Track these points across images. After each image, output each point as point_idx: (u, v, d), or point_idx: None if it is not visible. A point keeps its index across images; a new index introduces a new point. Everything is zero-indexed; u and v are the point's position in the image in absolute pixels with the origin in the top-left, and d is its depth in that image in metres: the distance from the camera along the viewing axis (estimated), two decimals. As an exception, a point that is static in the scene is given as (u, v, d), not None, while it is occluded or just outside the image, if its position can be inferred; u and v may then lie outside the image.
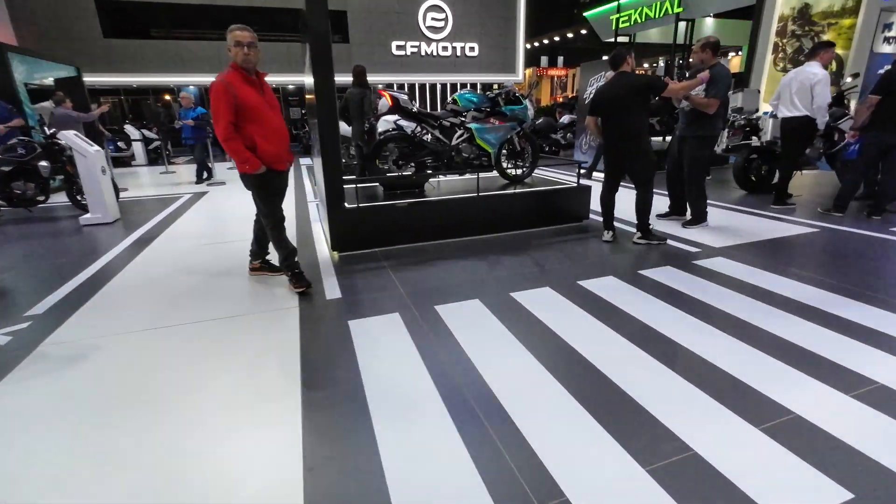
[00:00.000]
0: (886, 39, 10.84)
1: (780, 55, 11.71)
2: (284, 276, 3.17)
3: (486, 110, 4.51)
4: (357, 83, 5.18)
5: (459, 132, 4.46)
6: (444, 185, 4.93)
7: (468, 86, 16.02)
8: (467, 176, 5.01)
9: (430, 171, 4.54)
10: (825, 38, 11.59)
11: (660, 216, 4.74)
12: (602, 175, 4.16)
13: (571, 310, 2.67)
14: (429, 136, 4.41)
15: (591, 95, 8.57)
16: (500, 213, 4.32)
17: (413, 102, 4.46)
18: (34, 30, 12.23)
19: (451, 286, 3.07)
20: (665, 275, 3.19)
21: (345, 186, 3.87)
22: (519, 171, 4.93)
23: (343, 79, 4.83)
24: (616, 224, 4.20)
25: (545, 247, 3.90)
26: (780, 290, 2.87)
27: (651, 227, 3.93)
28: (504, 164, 4.87)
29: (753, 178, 5.99)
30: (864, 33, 10.73)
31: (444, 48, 15.81)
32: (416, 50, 15.65)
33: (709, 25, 19.93)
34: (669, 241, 3.94)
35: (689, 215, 4.50)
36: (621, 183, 4.00)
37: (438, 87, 16.25)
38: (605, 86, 3.74)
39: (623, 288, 2.98)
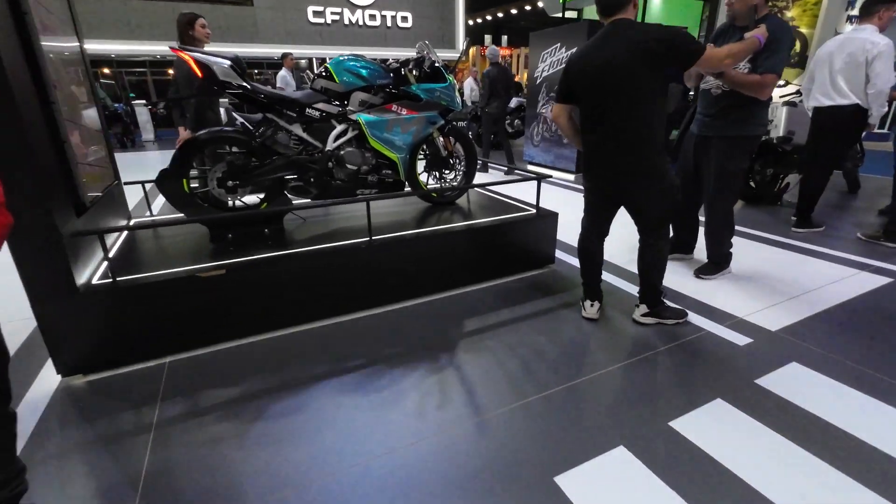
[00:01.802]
0: (849, 18, 10.04)
1: (742, 33, 10.57)
2: None
3: (385, 91, 2.67)
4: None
5: (340, 128, 2.60)
6: (319, 222, 3.05)
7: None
8: (356, 204, 3.11)
9: (291, 190, 2.66)
10: (789, 14, 10.66)
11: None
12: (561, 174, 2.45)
13: None
14: (283, 136, 2.53)
15: (546, 74, 6.91)
16: (411, 269, 2.54)
17: (295, 81, 2.51)
18: None
19: (262, 517, 1.28)
20: (724, 430, 1.57)
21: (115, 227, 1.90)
22: (447, 189, 3.18)
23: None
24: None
25: (486, 340, 2.18)
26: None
27: (664, 293, 2.32)
28: (423, 179, 3.09)
29: (753, 185, 4.61)
30: (830, 11, 9.86)
31: (372, 17, 13.57)
32: (337, 17, 13.29)
33: (656, 3, 18.98)
34: (690, 314, 2.37)
35: (692, 254, 2.96)
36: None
37: (367, 62, 14.00)
38: (589, 49, 2.01)
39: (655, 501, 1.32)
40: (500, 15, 25.17)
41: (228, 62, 2.27)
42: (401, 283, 2.54)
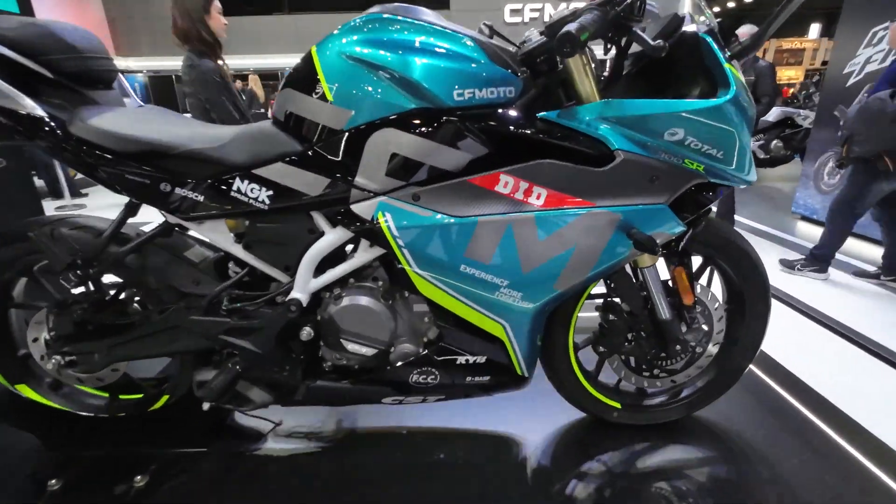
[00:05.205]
0: None
1: None
2: None
3: (488, 125, 0.78)
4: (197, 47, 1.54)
5: (332, 236, 0.85)
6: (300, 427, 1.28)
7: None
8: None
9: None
10: None
11: None
12: None
13: None
14: (172, 253, 0.92)
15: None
16: None
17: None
18: (121, 9, 11.52)
19: None
20: None
21: None
22: (665, 400, 1.12)
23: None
24: None
25: None
26: None
27: None
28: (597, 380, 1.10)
29: None
30: None
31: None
32: (537, 15, 11.58)
33: None
34: None
35: None
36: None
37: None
38: None
39: None
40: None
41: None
42: None
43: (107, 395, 1.11)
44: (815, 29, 17.25)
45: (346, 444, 1.13)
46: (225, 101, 1.45)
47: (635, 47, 0.84)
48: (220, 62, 1.54)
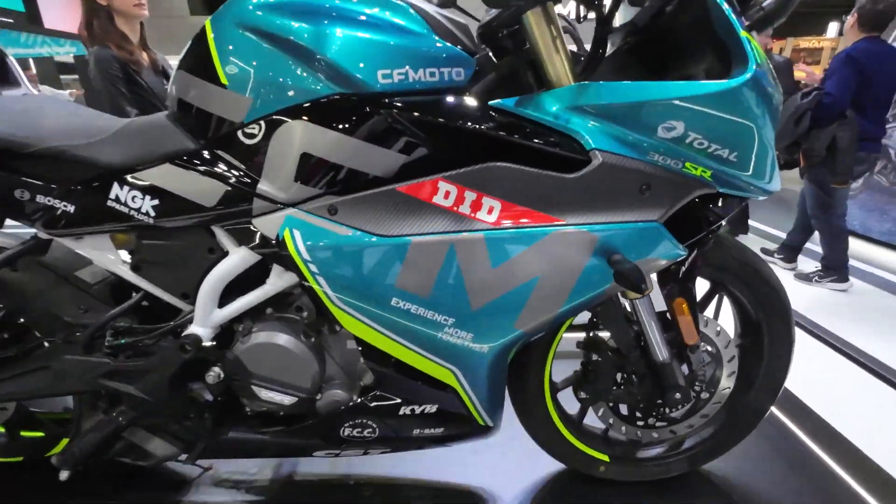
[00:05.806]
0: None
1: None
2: None
3: (432, 120, 0.60)
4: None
5: (237, 257, 0.67)
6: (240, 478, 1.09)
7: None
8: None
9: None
10: None
11: None
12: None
13: None
14: (41, 267, 0.75)
15: None
16: None
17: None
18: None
19: None
20: None
21: None
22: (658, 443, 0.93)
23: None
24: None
25: None
26: None
27: None
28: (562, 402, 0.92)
29: None
30: None
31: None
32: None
33: None
34: None
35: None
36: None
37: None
38: None
39: None
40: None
41: None
42: None
43: (2, 430, 0.95)
44: (833, 27, 16.81)
45: (285, 496, 0.96)
46: (115, 96, 1.24)
47: (621, 17, 0.65)
48: (126, 50, 1.30)
